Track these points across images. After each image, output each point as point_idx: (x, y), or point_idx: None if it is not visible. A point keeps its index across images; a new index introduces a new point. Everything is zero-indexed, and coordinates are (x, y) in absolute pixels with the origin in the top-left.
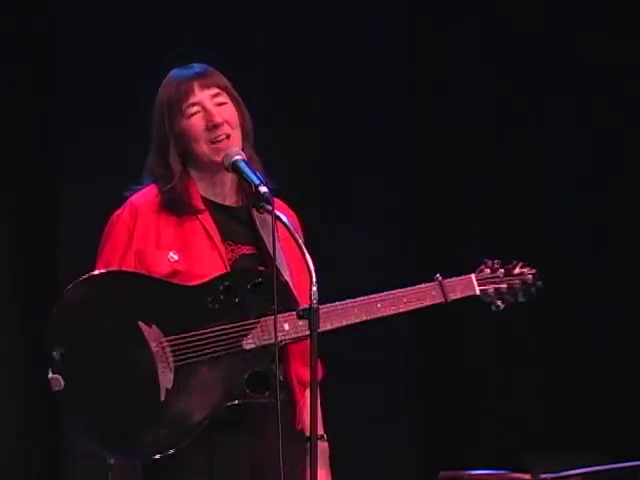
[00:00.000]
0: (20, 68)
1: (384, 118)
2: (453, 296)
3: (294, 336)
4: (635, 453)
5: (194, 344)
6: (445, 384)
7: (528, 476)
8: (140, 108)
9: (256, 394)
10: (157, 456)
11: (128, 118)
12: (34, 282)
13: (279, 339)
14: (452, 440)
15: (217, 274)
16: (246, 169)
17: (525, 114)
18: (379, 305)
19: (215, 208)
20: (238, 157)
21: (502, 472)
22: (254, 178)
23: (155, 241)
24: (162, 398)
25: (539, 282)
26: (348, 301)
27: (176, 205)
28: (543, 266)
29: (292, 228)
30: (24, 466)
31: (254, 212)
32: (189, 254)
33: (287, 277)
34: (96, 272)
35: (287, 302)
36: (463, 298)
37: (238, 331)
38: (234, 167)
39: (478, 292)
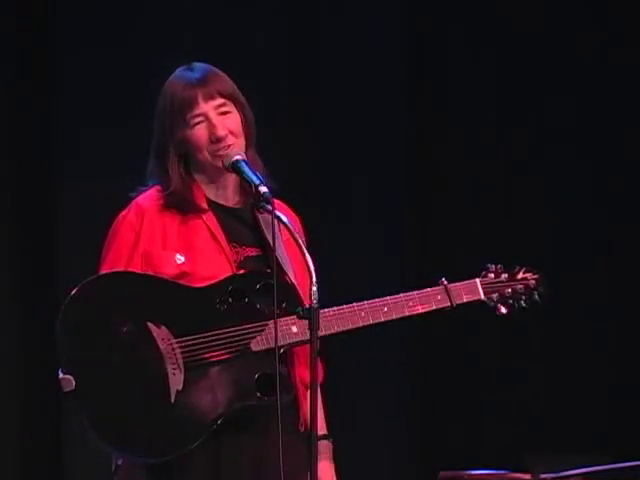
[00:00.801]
0: (20, 68)
1: (384, 118)
2: (459, 301)
3: (302, 338)
4: (635, 453)
5: (203, 345)
6: (445, 384)
7: (528, 476)
8: (140, 108)
9: (266, 396)
10: (168, 457)
11: (128, 118)
12: (34, 282)
13: (287, 342)
14: (452, 440)
15: (225, 276)
16: (246, 169)
17: (525, 114)
18: (385, 309)
19: (219, 209)
20: (238, 157)
21: (502, 472)
22: (254, 178)
23: (162, 242)
24: (173, 399)
25: (542, 287)
26: (353, 305)
27: (180, 206)
28: (543, 266)
29: (292, 228)
30: (24, 466)
31: (257, 213)
32: (195, 256)
33: (292, 278)
34: (105, 273)
35: (295, 304)
36: (468, 303)
37: (246, 333)
38: (234, 167)
39: (483, 297)
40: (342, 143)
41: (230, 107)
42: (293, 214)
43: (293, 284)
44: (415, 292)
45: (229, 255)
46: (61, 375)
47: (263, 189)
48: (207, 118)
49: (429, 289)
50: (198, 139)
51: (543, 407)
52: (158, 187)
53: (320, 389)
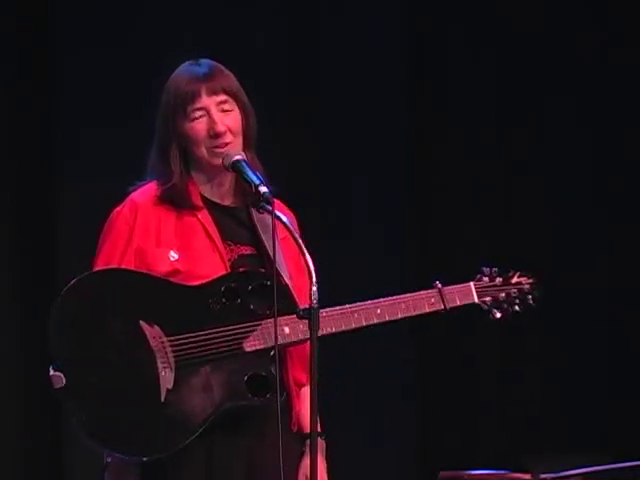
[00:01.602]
0: (20, 68)
1: (384, 118)
2: (452, 304)
3: (294, 339)
4: (635, 453)
5: (195, 344)
6: (445, 384)
7: (528, 476)
8: (140, 108)
9: (256, 396)
10: (157, 456)
11: (128, 118)
12: (34, 282)
13: (280, 342)
14: (452, 440)
15: (219, 275)
16: (246, 169)
17: (525, 114)
18: (378, 311)
19: (214, 207)
20: (238, 157)
21: (502, 472)
22: (254, 178)
23: (155, 239)
24: (162, 398)
25: (536, 292)
26: (347, 306)
27: (175, 202)
28: (542, 266)
29: (292, 228)
30: (24, 466)
31: (253, 213)
32: (189, 253)
33: (287, 279)
34: (98, 270)
35: (288, 305)
36: (462, 306)
37: (239, 333)
38: (234, 167)
39: (477, 300)
40: (342, 143)
41: (232, 105)
42: (290, 212)
43: (287, 285)
44: (409, 294)
45: (223, 253)
46: (51, 372)
47: (263, 189)
48: (208, 113)
49: (423, 292)
50: (197, 133)
51: (543, 407)
52: (154, 183)
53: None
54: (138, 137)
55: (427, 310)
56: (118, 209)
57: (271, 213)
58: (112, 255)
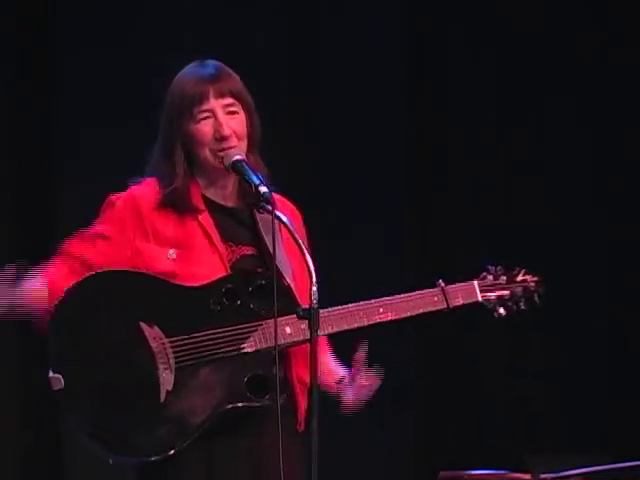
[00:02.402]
0: (20, 68)
1: (384, 118)
2: (456, 302)
3: (296, 339)
4: (635, 453)
5: (195, 345)
6: (445, 384)
7: (528, 476)
8: (140, 108)
9: (256, 397)
10: (155, 457)
11: (128, 118)
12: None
13: (281, 342)
14: (452, 440)
15: (220, 276)
16: (246, 169)
17: (525, 114)
18: (381, 310)
19: (215, 208)
20: (238, 157)
21: (502, 472)
22: (254, 178)
23: (153, 237)
24: (162, 399)
25: (541, 289)
26: (350, 305)
27: (177, 204)
28: (542, 266)
29: (292, 228)
30: (24, 466)
31: (256, 213)
32: (188, 253)
33: (289, 279)
34: (99, 272)
35: (289, 305)
36: (465, 305)
37: (239, 334)
38: (234, 167)
39: (480, 299)
40: (342, 143)
41: (238, 108)
42: (295, 211)
43: (289, 286)
44: (412, 293)
45: (222, 253)
46: (50, 374)
47: (263, 189)
48: (214, 115)
49: (426, 290)
50: (202, 135)
51: (543, 407)
52: (155, 181)
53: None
54: (138, 137)
55: (430, 309)
56: (114, 198)
57: (271, 213)
58: (84, 236)
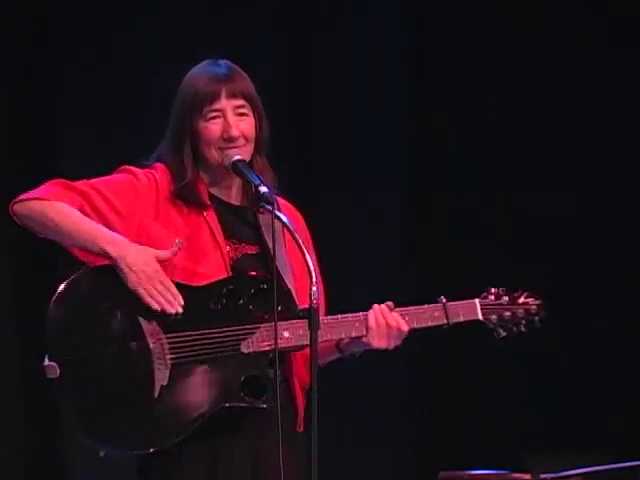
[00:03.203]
0: (20, 68)
1: (384, 118)
2: (456, 319)
3: (294, 344)
4: (635, 453)
5: (193, 343)
6: (445, 384)
7: (528, 476)
8: (140, 108)
9: (252, 398)
10: (146, 451)
11: (128, 118)
12: (34, 282)
13: (279, 345)
14: (452, 440)
15: (222, 277)
16: (245, 169)
17: (525, 114)
18: None
19: (221, 206)
20: (238, 157)
21: (502, 472)
22: (254, 178)
23: (164, 222)
24: (156, 394)
25: (543, 313)
26: (348, 315)
27: (186, 198)
28: (542, 266)
29: (292, 228)
30: (24, 466)
31: (257, 214)
32: (191, 248)
33: (290, 282)
34: (101, 264)
35: (289, 309)
36: (465, 322)
37: (238, 334)
38: (234, 167)
39: (481, 317)
40: (342, 143)
41: (248, 110)
42: (296, 212)
43: (289, 289)
44: (412, 307)
45: (225, 252)
46: (46, 361)
47: (263, 189)
48: (224, 115)
49: (427, 305)
50: (210, 133)
51: (543, 407)
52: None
53: None
54: (138, 137)
55: (430, 324)
56: (135, 170)
57: (271, 212)
58: (94, 186)
